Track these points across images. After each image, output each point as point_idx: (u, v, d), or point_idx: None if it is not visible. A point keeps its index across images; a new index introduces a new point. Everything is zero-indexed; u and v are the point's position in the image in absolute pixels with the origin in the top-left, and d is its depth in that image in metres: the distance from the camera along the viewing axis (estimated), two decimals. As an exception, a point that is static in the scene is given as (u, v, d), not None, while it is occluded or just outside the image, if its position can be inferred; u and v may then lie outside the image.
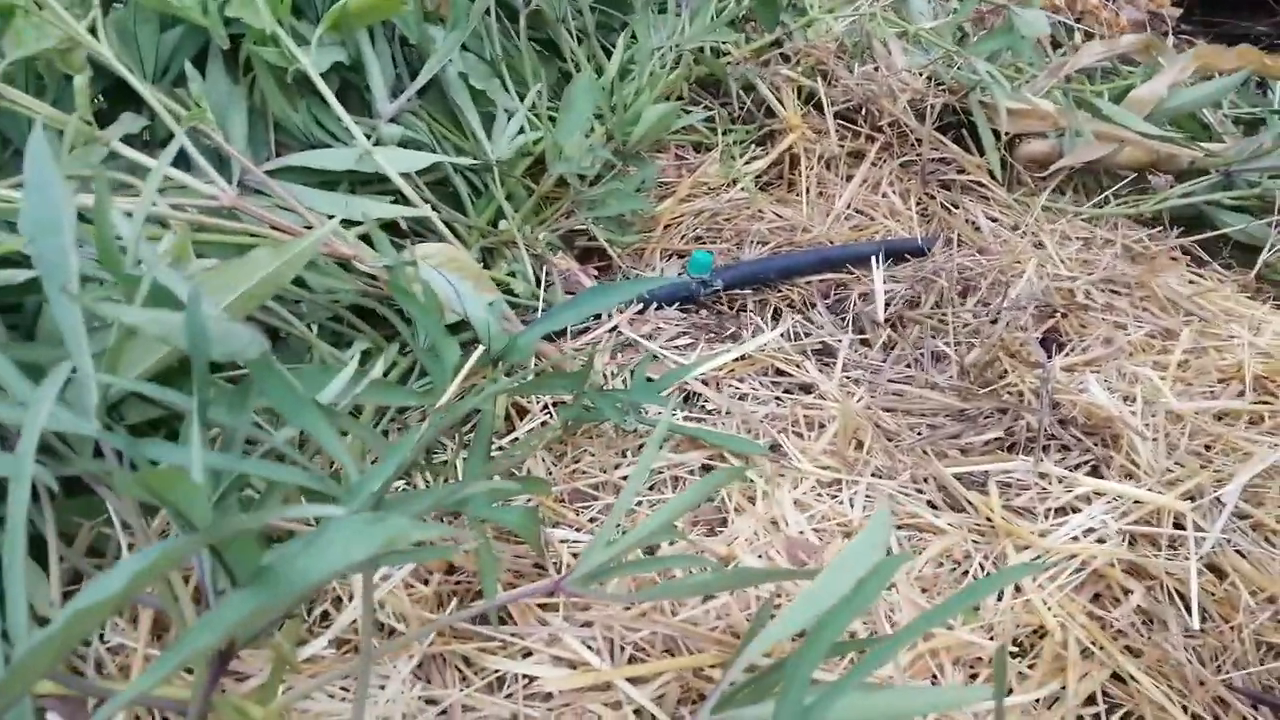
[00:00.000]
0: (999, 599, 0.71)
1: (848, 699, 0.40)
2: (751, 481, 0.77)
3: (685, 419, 0.85)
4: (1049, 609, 0.70)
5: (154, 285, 0.50)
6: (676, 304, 1.04)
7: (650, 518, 0.52)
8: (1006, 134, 1.32)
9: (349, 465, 0.45)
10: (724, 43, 1.38)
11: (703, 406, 0.87)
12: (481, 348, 0.73)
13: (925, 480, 0.81)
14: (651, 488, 0.78)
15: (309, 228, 0.81)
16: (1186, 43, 2.63)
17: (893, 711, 0.41)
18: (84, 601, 0.27)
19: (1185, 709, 0.66)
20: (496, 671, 0.61)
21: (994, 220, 1.27)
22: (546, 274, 1.03)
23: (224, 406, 0.45)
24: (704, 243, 1.20)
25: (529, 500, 0.73)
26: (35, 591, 0.56)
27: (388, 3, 0.86)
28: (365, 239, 0.83)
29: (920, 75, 1.33)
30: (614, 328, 0.97)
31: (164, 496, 0.31)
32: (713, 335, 0.98)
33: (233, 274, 0.61)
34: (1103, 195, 1.33)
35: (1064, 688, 0.66)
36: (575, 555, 0.68)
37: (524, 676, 0.60)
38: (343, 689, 0.58)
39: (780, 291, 1.11)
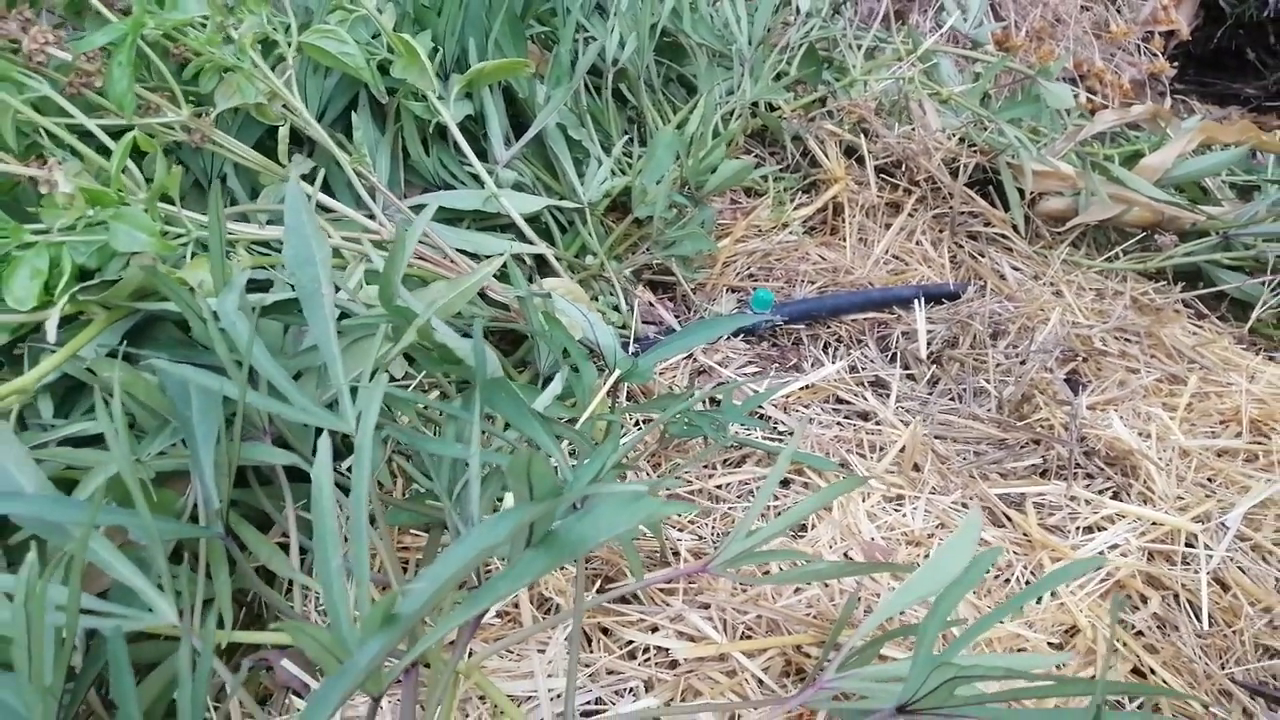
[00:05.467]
0: (1038, 602, 0.84)
1: (959, 658, 0.53)
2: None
3: (761, 438, 0.98)
4: (1081, 611, 0.83)
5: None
6: (741, 335, 1.17)
7: (783, 515, 0.64)
8: (1031, 192, 1.46)
9: (562, 462, 0.57)
10: (777, 99, 1.52)
11: (774, 428, 1.00)
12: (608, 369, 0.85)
13: (972, 499, 0.94)
14: (739, 496, 0.90)
15: (446, 258, 0.93)
16: (1181, 102, 2.80)
17: (997, 664, 0.53)
18: (481, 541, 0.39)
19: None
20: (630, 642, 0.73)
21: (1016, 269, 1.41)
22: (627, 303, 1.15)
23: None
24: (757, 280, 1.33)
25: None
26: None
27: (514, 65, 0.99)
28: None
29: (953, 137, 1.47)
30: (689, 354, 1.09)
31: (528, 474, 0.42)
32: (778, 365, 1.11)
33: (419, 302, 0.73)
34: (1114, 251, 1.47)
35: (1093, 677, 0.79)
36: (689, 549, 0.80)
37: (654, 648, 0.72)
38: (508, 650, 0.70)
39: (830, 327, 1.24)
